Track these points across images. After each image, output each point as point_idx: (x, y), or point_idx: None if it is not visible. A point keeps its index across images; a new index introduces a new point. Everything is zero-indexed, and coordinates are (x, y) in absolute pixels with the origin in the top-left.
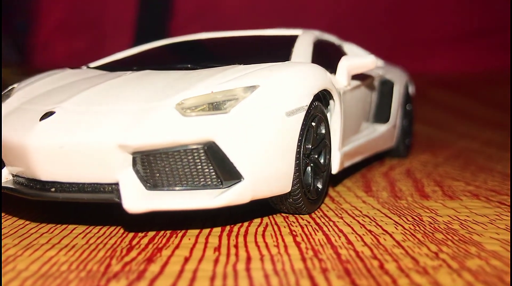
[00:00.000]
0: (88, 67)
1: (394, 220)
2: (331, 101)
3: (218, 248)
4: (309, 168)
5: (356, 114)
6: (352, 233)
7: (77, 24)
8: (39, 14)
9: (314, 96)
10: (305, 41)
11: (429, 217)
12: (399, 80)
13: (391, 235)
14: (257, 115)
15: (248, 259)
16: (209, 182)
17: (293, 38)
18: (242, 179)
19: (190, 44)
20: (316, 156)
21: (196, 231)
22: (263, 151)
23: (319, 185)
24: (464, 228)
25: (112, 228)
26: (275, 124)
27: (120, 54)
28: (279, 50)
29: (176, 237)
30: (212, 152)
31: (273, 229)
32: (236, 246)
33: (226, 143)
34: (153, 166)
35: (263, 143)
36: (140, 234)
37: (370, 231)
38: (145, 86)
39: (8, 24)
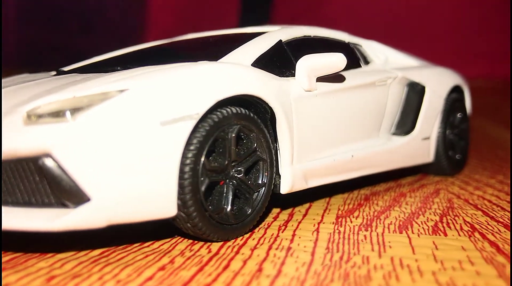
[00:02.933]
0: (59, 71)
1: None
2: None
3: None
4: (227, 188)
5: (333, 123)
6: None
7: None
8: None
9: (220, 102)
10: (265, 39)
11: None
12: (439, 83)
13: None
14: (115, 124)
15: None
16: (53, 201)
17: (259, 35)
18: (89, 200)
19: (154, 48)
20: (240, 174)
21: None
22: (123, 167)
23: (248, 209)
24: None
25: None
26: (142, 135)
27: (95, 58)
28: (221, 51)
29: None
30: (47, 166)
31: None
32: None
33: (66, 156)
34: None
35: (123, 158)
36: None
37: None
38: (34, 90)
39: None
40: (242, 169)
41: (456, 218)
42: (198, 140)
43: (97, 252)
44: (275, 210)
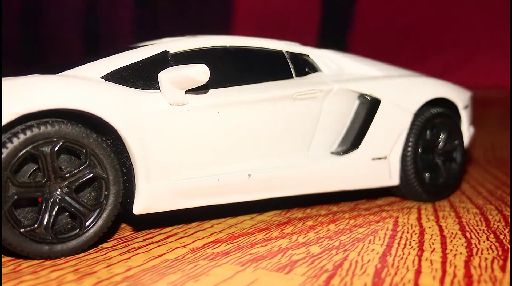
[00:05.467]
0: None
1: None
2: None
3: None
4: (45, 205)
5: (218, 139)
6: None
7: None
8: None
9: (25, 116)
10: (141, 51)
11: None
12: (405, 96)
13: None
14: None
15: None
16: None
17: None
18: None
19: None
20: (69, 191)
21: None
22: None
23: (77, 228)
24: None
25: None
26: None
27: None
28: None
29: None
30: None
31: None
32: None
33: None
34: None
35: None
36: None
37: None
38: None
39: None
40: (71, 187)
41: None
42: (5, 155)
43: None
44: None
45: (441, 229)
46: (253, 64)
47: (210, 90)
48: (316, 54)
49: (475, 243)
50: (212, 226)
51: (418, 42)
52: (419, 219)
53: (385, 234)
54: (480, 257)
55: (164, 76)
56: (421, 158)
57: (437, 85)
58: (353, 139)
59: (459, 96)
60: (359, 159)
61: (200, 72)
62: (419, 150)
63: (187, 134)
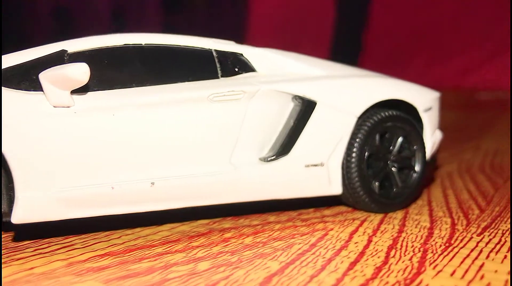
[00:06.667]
0: None
1: None
2: None
3: None
4: None
5: (113, 144)
6: None
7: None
8: None
9: None
10: (33, 51)
11: None
12: (348, 97)
13: None
14: None
15: None
16: None
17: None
18: None
19: None
20: None
21: None
22: None
23: None
24: None
25: None
26: None
27: None
28: None
29: None
30: None
31: None
32: None
33: None
34: None
35: None
36: None
37: None
38: None
39: None
40: None
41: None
42: None
43: None
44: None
45: (366, 246)
46: (171, 63)
47: (108, 91)
48: (252, 53)
49: (390, 263)
50: (119, 237)
51: (437, 42)
52: (353, 232)
53: (299, 249)
54: (381, 279)
55: (44, 76)
56: (369, 165)
57: (391, 86)
58: (284, 144)
59: (420, 98)
60: (289, 166)
61: (78, 71)
62: (365, 156)
63: (73, 139)
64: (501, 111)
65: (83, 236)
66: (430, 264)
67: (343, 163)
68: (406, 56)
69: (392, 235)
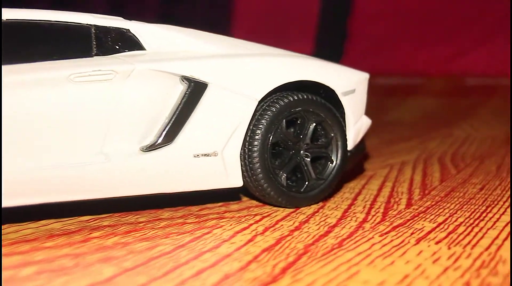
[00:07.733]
0: None
1: None
2: None
3: None
4: None
5: None
6: None
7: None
8: None
9: None
10: None
11: None
12: (248, 78)
13: None
14: None
15: None
16: None
17: None
18: None
19: None
20: None
21: None
22: None
23: None
24: None
25: None
26: None
27: None
28: None
29: None
30: None
31: None
32: None
33: None
34: None
35: None
36: None
37: None
38: None
39: None
40: None
41: None
42: None
43: None
44: None
45: (240, 247)
46: (35, 41)
47: None
48: (141, 30)
49: (247, 270)
50: None
51: (424, 28)
52: (241, 230)
53: (160, 251)
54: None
55: None
56: (277, 155)
57: (304, 66)
58: (168, 132)
59: (338, 80)
60: (174, 156)
61: None
62: (269, 144)
63: None
64: (487, 97)
65: None
66: (294, 271)
67: (242, 153)
68: (392, 43)
69: (281, 234)
